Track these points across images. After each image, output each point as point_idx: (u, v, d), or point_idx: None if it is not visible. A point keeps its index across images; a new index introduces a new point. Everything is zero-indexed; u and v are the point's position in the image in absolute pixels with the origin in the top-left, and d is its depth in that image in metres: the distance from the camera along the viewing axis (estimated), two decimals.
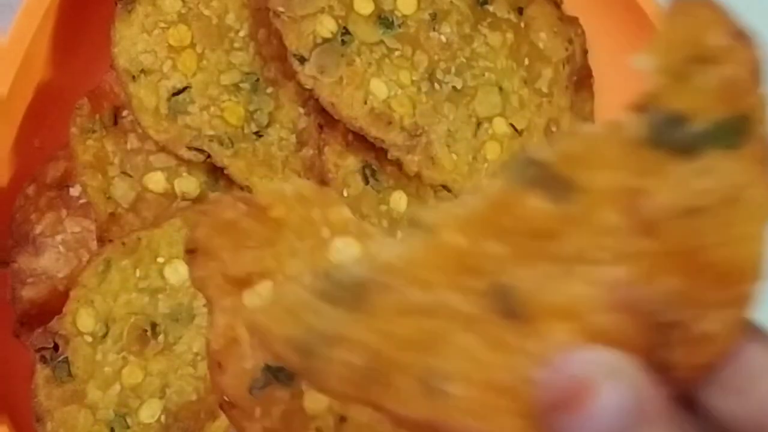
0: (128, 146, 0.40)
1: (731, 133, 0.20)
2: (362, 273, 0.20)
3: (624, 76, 0.47)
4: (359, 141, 0.40)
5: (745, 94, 0.20)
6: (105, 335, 0.38)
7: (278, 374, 0.24)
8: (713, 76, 0.20)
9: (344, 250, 0.24)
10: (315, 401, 0.24)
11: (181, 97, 0.39)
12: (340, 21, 0.39)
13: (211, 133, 0.40)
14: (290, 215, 0.24)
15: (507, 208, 0.20)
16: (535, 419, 0.19)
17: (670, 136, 0.20)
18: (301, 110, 0.41)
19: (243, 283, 0.24)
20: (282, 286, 0.23)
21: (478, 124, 0.41)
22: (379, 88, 0.39)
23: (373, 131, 0.39)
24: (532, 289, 0.20)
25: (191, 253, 0.24)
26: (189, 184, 0.40)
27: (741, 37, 0.21)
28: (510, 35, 0.43)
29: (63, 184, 0.41)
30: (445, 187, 0.41)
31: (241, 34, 0.41)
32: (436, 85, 0.41)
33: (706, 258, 0.19)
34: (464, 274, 0.20)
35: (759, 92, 0.20)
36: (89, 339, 0.37)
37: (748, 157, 0.20)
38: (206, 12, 0.40)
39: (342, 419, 0.24)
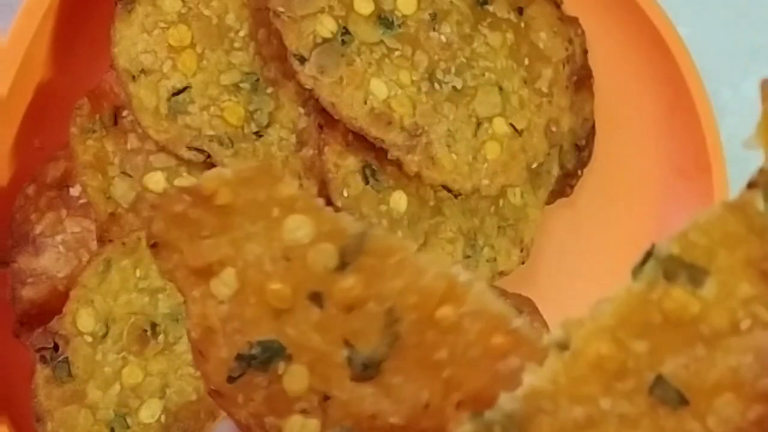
0: (128, 146, 0.40)
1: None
2: (519, 406, 0.22)
3: (624, 76, 0.47)
4: (359, 141, 0.40)
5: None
6: (105, 335, 0.38)
7: (252, 361, 0.24)
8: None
9: (297, 230, 0.24)
10: (294, 382, 0.24)
11: (181, 97, 0.40)
12: (340, 21, 0.39)
13: (211, 133, 0.40)
14: (236, 200, 0.24)
15: (651, 305, 0.22)
16: None
17: None
18: (301, 110, 0.41)
19: (206, 273, 0.24)
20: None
21: (478, 124, 0.41)
22: (379, 88, 0.39)
23: (373, 131, 0.39)
24: (690, 372, 0.21)
25: (154, 247, 0.25)
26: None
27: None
28: (510, 35, 0.43)
29: (63, 184, 0.41)
30: (445, 187, 0.41)
31: (241, 34, 0.41)
32: (436, 85, 0.41)
33: None
34: (618, 378, 0.22)
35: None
36: (89, 339, 0.37)
37: None
38: (206, 12, 0.40)
39: (325, 398, 0.24)
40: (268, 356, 0.24)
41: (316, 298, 0.24)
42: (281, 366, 0.24)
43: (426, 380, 0.24)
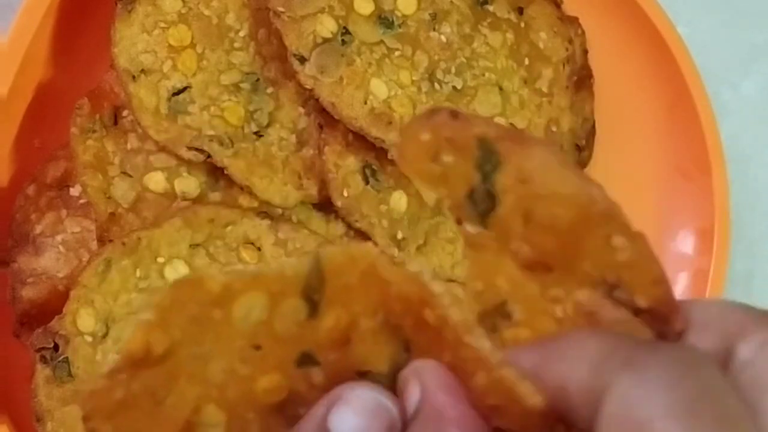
0: (128, 146, 0.40)
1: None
2: None
3: (624, 76, 0.47)
4: (359, 141, 0.40)
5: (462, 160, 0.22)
6: (105, 335, 0.37)
7: None
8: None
9: (249, 312, 0.21)
10: None
11: (181, 97, 0.39)
12: (340, 21, 0.39)
13: (211, 133, 0.40)
14: (172, 334, 0.21)
15: None
16: None
17: None
18: (301, 110, 0.41)
19: (189, 429, 0.21)
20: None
21: None
22: (379, 88, 0.39)
23: (374, 131, 0.39)
24: None
25: None
26: (189, 184, 0.40)
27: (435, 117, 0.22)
28: (510, 35, 0.43)
29: (63, 184, 0.41)
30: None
31: (241, 34, 0.41)
32: (437, 85, 0.41)
33: None
34: None
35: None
36: (89, 339, 0.37)
37: None
38: (206, 12, 0.40)
39: None
40: None
41: (307, 359, 0.22)
42: None
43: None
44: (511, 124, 0.42)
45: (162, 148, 0.40)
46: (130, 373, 0.20)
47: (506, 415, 0.21)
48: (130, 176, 0.40)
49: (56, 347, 0.37)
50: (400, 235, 0.41)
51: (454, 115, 0.21)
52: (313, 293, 0.21)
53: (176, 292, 0.20)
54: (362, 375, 0.22)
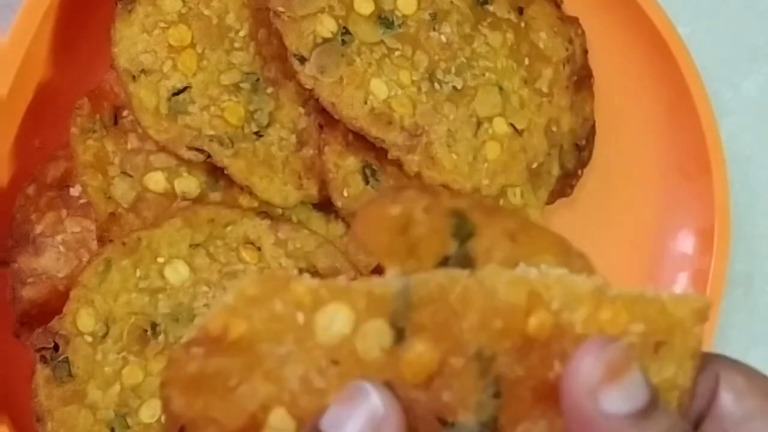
0: (128, 146, 0.40)
1: (462, 225, 0.21)
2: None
3: (624, 76, 0.47)
4: (359, 141, 0.40)
5: (438, 206, 0.22)
6: (105, 335, 0.37)
7: None
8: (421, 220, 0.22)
9: (332, 323, 0.21)
10: None
11: (181, 97, 0.39)
12: (340, 21, 0.39)
13: (211, 133, 0.39)
14: (252, 325, 0.21)
15: None
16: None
17: None
18: (302, 110, 0.41)
19: (254, 428, 0.21)
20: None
21: (479, 124, 0.41)
22: (379, 88, 0.39)
23: (374, 131, 0.39)
24: None
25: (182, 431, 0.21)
26: (189, 184, 0.40)
27: (399, 194, 0.22)
28: (510, 35, 0.43)
29: (63, 184, 0.41)
30: (445, 187, 0.41)
31: (242, 34, 0.41)
32: (437, 85, 0.41)
33: None
34: None
35: (436, 194, 0.22)
36: (89, 339, 0.37)
37: None
38: (206, 12, 0.40)
39: None
40: None
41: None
42: None
43: (552, 410, 0.21)
44: (511, 124, 0.42)
45: (162, 148, 0.40)
46: (206, 350, 0.21)
47: None
48: (130, 176, 0.40)
49: (56, 347, 0.37)
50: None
51: (424, 188, 0.21)
52: (400, 319, 0.21)
53: (263, 285, 0.21)
54: (445, 425, 0.21)
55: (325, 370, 0.21)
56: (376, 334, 0.21)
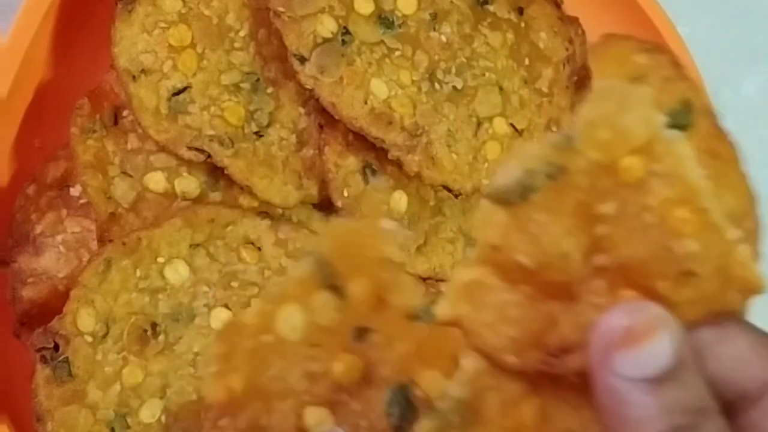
0: (128, 146, 0.40)
1: (683, 114, 0.22)
2: (466, 390, 0.22)
3: None
4: (359, 141, 0.40)
5: (679, 84, 0.22)
6: (105, 335, 0.37)
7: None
8: (654, 81, 0.22)
9: (292, 320, 0.23)
10: None
11: (181, 97, 0.39)
12: (340, 21, 0.39)
13: (212, 133, 0.39)
14: (243, 370, 0.23)
15: None
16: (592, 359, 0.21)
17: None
18: (302, 110, 0.41)
19: None
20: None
21: (479, 124, 0.41)
22: (379, 88, 0.39)
23: (374, 131, 0.39)
24: None
25: None
26: (189, 184, 0.40)
27: (655, 49, 0.23)
28: (510, 35, 0.43)
29: (63, 184, 0.41)
30: (445, 187, 0.41)
31: (242, 34, 0.41)
32: (437, 85, 0.41)
33: None
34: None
35: (687, 79, 0.23)
36: (89, 339, 0.37)
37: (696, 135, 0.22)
38: (206, 12, 0.40)
39: None
40: None
41: (361, 332, 0.24)
42: None
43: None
44: (511, 124, 0.42)
45: (162, 148, 0.40)
46: (231, 415, 0.23)
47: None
48: (131, 176, 0.40)
49: (56, 347, 0.37)
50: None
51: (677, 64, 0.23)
52: (331, 280, 0.23)
53: (224, 339, 0.23)
54: (414, 318, 0.24)
55: (314, 356, 0.23)
56: (324, 303, 0.23)
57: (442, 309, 0.22)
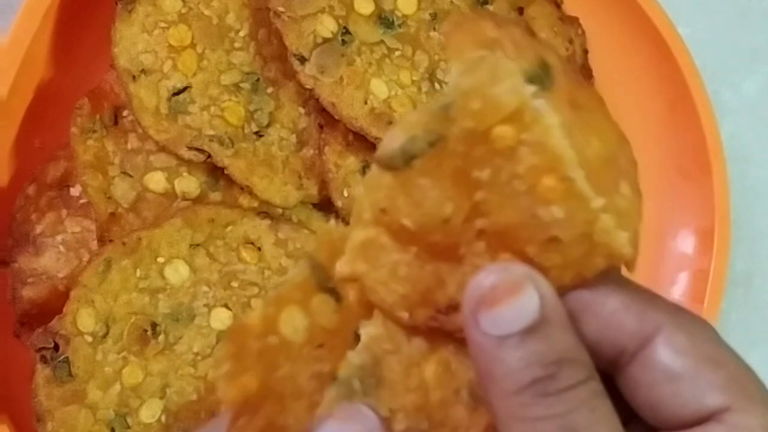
0: (128, 146, 0.40)
1: (542, 75, 0.22)
2: (366, 356, 0.23)
3: (624, 76, 0.47)
4: (359, 141, 0.40)
5: (532, 48, 0.23)
6: (105, 335, 0.37)
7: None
8: (507, 50, 0.22)
9: (295, 322, 0.23)
10: None
11: (181, 97, 0.40)
12: (340, 21, 0.39)
13: (212, 133, 0.40)
14: (255, 371, 0.23)
15: None
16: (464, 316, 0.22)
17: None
18: (302, 110, 0.41)
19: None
20: None
21: None
22: (379, 87, 0.39)
23: (374, 131, 0.39)
24: None
25: None
26: (189, 184, 0.40)
27: (502, 21, 0.23)
28: None
29: (63, 184, 0.41)
30: None
31: (242, 34, 0.41)
32: (437, 85, 0.41)
33: None
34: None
35: (540, 42, 0.23)
36: (89, 339, 0.37)
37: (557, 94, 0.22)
38: (206, 12, 0.40)
39: None
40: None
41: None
42: None
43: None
44: None
45: (162, 148, 0.40)
46: (248, 415, 0.23)
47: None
48: (131, 176, 0.40)
49: (56, 347, 0.37)
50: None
51: (531, 33, 0.23)
52: (326, 283, 0.24)
53: (231, 340, 0.23)
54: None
55: (320, 356, 0.24)
56: (323, 305, 0.24)
57: (341, 266, 0.23)
